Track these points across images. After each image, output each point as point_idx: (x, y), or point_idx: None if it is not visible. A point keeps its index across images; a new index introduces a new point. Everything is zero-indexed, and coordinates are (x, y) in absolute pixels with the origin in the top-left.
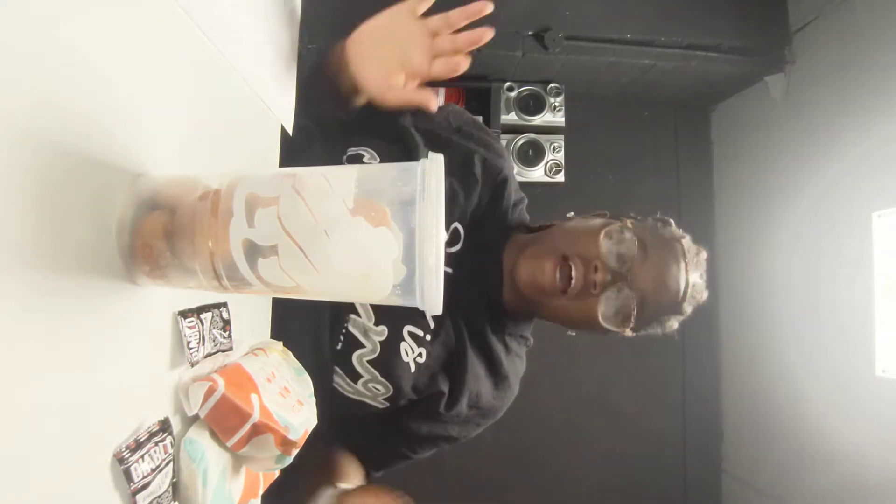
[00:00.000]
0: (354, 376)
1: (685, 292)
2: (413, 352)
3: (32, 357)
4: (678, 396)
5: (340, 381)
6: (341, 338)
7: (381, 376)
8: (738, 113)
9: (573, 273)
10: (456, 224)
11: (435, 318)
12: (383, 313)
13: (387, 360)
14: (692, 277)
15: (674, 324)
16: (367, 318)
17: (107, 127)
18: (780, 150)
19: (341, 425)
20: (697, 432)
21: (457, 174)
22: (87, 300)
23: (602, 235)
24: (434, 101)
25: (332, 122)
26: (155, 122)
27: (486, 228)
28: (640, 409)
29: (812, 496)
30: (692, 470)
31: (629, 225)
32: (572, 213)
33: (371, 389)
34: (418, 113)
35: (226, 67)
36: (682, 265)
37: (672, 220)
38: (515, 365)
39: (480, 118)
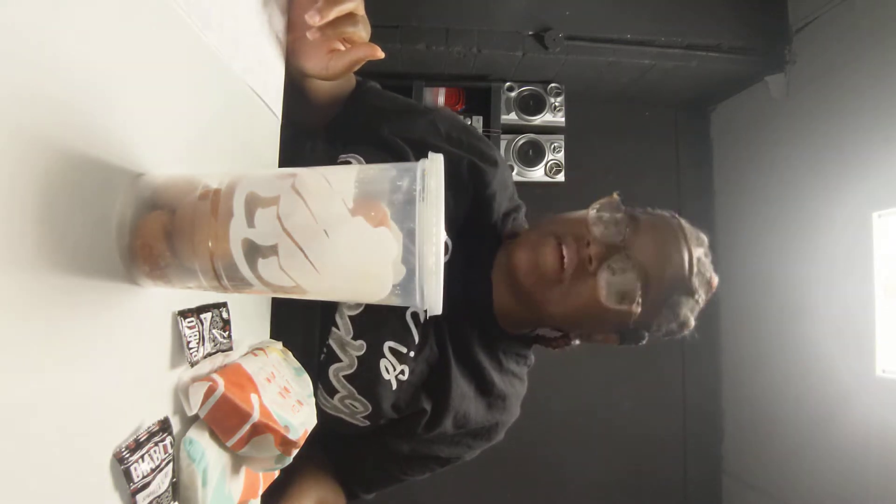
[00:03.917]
0: (331, 391)
1: (690, 264)
2: (395, 369)
3: (32, 357)
4: (678, 396)
5: (320, 396)
6: (325, 350)
7: (359, 393)
8: (738, 113)
9: (565, 252)
10: (444, 235)
11: (420, 333)
12: (363, 327)
13: (364, 377)
14: (696, 251)
15: (688, 313)
16: (345, 332)
17: (107, 127)
18: (780, 150)
19: (330, 442)
20: (697, 432)
21: (444, 182)
22: (86, 300)
23: (590, 212)
24: (379, 50)
25: (319, 129)
26: (155, 122)
27: (474, 240)
28: (640, 409)
29: (812, 496)
30: (692, 470)
31: (615, 200)
32: None
33: (348, 406)
34: (402, 121)
35: (226, 67)
36: (681, 236)
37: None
38: (514, 386)
39: (481, 118)
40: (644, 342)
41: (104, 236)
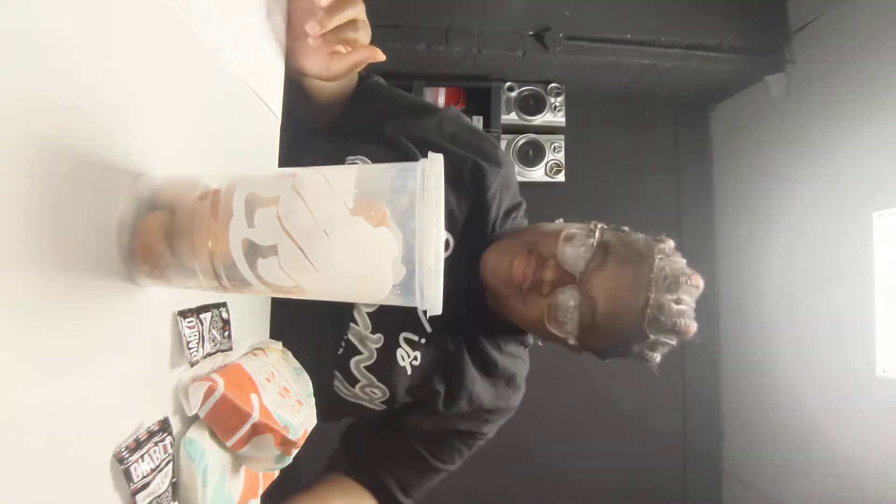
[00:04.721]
0: (352, 381)
1: (644, 311)
2: (409, 356)
3: (32, 357)
4: (678, 396)
5: (339, 385)
6: (343, 344)
7: (378, 381)
8: (738, 113)
9: (524, 269)
10: (446, 233)
11: (431, 322)
12: (380, 322)
13: (383, 366)
14: (659, 297)
15: (645, 351)
16: (363, 327)
17: (107, 127)
18: (780, 150)
19: (356, 457)
20: (697, 432)
21: (448, 181)
22: (86, 300)
23: (563, 236)
24: (380, 53)
25: (324, 128)
26: (154, 122)
27: (474, 237)
28: (640, 409)
29: (811, 496)
30: (692, 470)
31: (594, 229)
32: (561, 220)
33: (368, 393)
34: (407, 121)
35: (225, 67)
36: (645, 279)
37: (670, 240)
38: (517, 365)
39: (481, 118)
40: (606, 360)
41: (104, 236)
